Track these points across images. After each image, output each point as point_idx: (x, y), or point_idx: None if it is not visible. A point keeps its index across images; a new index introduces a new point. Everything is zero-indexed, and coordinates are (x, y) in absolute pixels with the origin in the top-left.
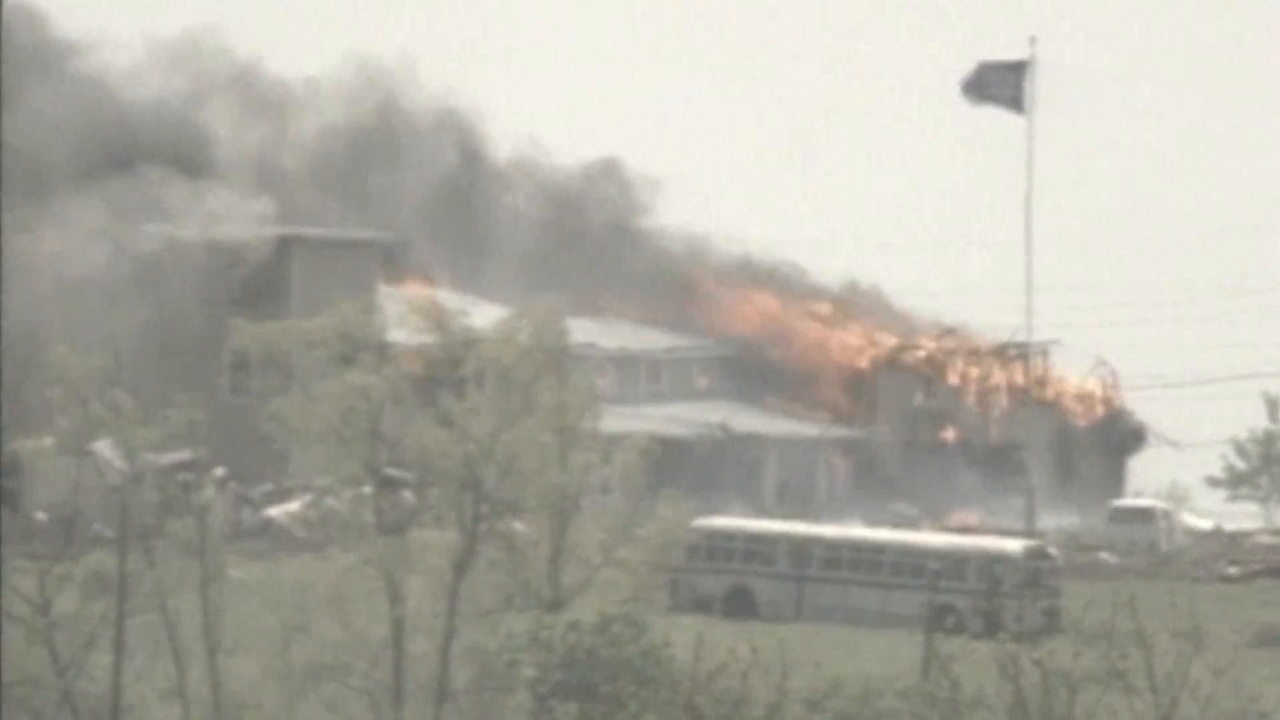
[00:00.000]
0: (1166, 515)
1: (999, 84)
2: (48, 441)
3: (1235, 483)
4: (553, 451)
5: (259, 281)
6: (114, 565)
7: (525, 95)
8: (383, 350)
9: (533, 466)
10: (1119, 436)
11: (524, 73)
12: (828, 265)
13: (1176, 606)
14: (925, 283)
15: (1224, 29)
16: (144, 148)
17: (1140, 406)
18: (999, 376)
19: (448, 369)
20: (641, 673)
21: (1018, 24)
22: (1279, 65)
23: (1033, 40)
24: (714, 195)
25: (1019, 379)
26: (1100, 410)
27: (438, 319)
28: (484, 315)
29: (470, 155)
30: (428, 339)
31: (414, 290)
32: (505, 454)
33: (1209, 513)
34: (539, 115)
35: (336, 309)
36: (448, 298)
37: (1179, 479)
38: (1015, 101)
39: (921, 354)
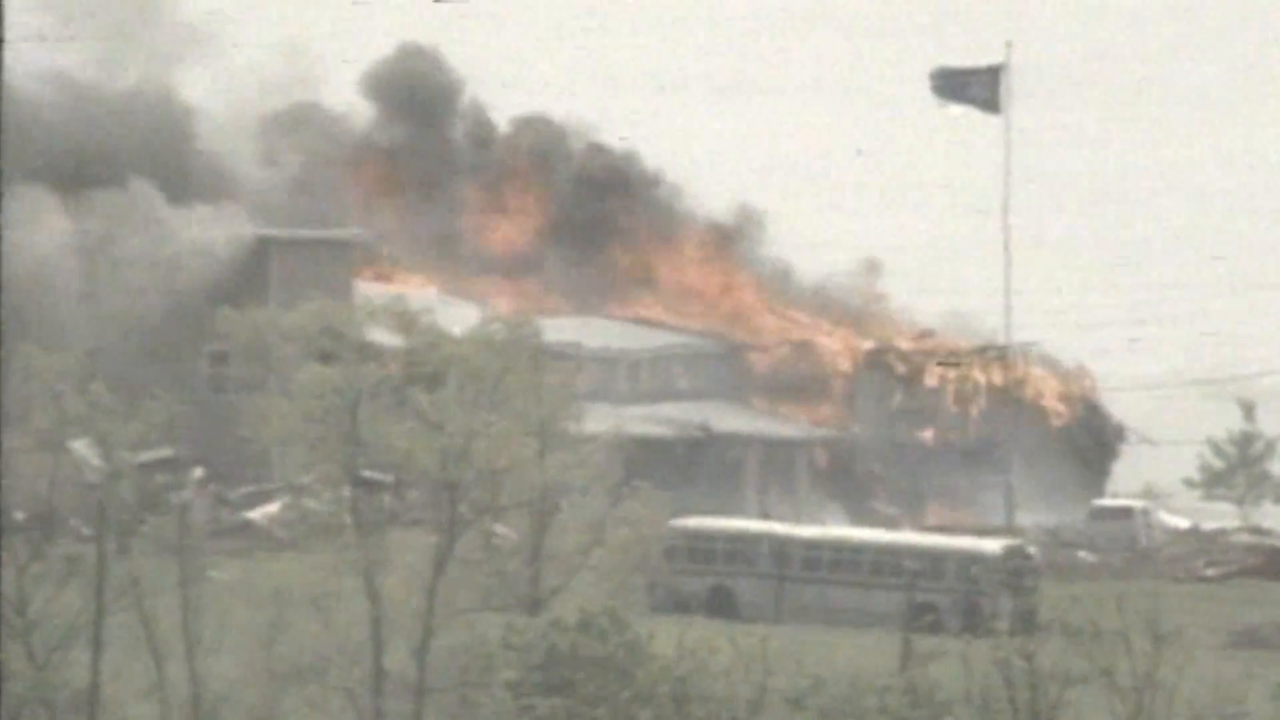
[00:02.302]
0: (1145, 513)
1: (974, 86)
2: (24, 439)
3: (1211, 483)
4: (529, 451)
5: (236, 282)
6: (91, 563)
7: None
8: (361, 349)
9: (508, 465)
10: (1097, 437)
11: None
12: (806, 265)
13: (1153, 606)
14: (905, 284)
15: (1200, 32)
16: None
17: (1117, 407)
18: (978, 377)
19: (421, 367)
20: (624, 668)
21: (995, 28)
22: (1255, 68)
23: (1008, 45)
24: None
25: (997, 379)
26: (1078, 410)
27: (407, 319)
28: (459, 314)
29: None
30: (398, 339)
31: (388, 288)
32: (480, 453)
33: (1184, 511)
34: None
35: (315, 302)
36: (420, 295)
37: (1155, 479)
38: (990, 103)
39: (900, 355)
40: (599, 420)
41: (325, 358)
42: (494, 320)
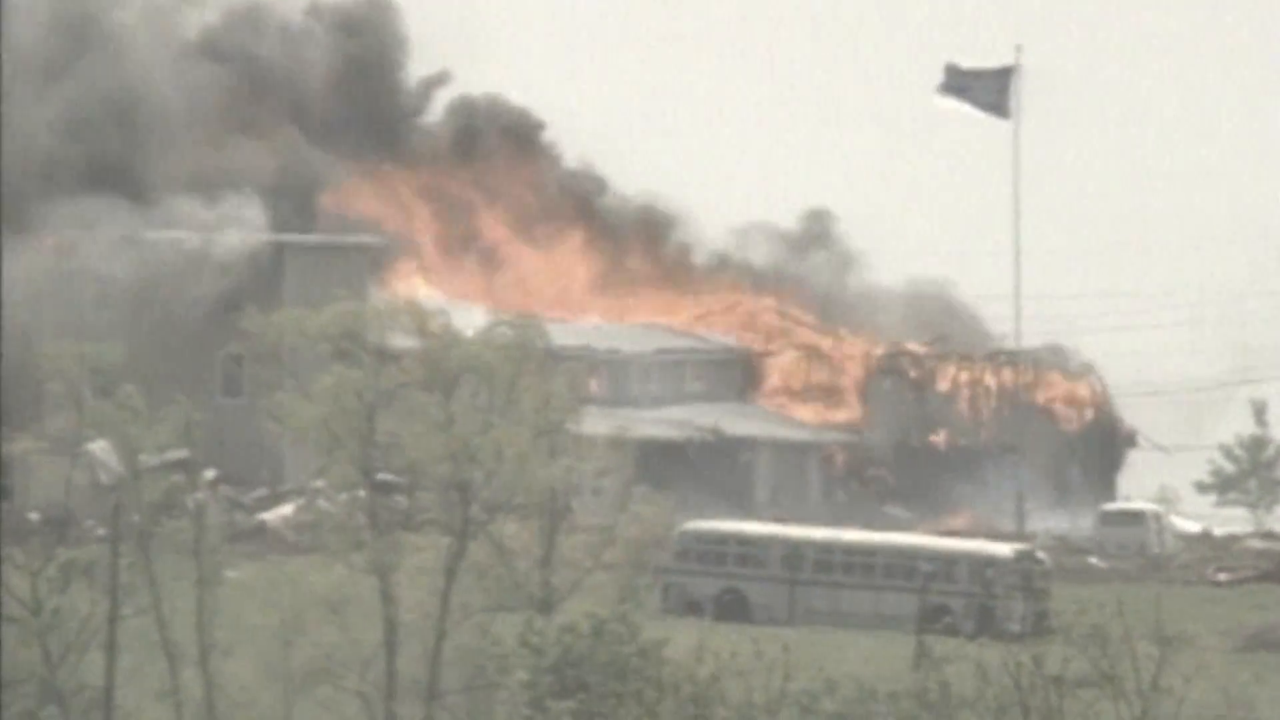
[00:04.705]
0: (1157, 518)
1: (982, 89)
2: (41, 443)
3: (1223, 487)
4: (538, 452)
5: (251, 287)
6: (107, 565)
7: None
8: (379, 353)
9: (516, 467)
10: (1107, 442)
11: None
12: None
13: (1156, 610)
14: (917, 288)
15: (1211, 33)
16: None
17: (1129, 411)
18: (989, 381)
19: (433, 370)
20: (639, 672)
21: (1006, 30)
22: (1267, 69)
23: (1019, 48)
24: (703, 192)
25: (1009, 384)
26: (1090, 415)
27: (420, 321)
28: (467, 316)
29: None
30: (411, 342)
31: (403, 291)
32: (489, 454)
33: (1197, 517)
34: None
35: (334, 305)
36: (432, 298)
37: (1167, 483)
38: (998, 107)
39: (913, 359)
40: (608, 422)
41: (344, 357)
42: (501, 322)
